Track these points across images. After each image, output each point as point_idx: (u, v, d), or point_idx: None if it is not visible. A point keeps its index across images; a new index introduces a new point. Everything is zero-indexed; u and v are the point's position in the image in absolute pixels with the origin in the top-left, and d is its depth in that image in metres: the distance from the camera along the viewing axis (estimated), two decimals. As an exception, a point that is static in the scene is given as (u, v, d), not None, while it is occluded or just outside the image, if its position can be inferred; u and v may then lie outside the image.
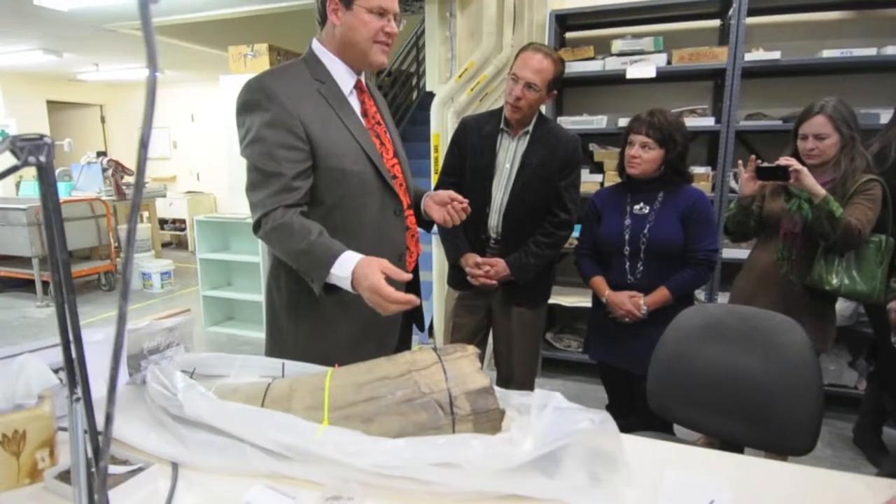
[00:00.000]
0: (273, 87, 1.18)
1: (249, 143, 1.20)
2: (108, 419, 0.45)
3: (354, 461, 0.78)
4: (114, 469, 0.83)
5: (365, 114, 1.32)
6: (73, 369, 0.62)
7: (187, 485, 0.83)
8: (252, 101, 1.19)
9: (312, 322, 1.30)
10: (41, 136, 0.59)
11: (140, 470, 0.84)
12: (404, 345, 1.52)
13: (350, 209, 1.26)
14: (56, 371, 0.98)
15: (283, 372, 1.05)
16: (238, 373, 1.05)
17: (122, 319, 0.42)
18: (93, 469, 0.67)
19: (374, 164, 1.27)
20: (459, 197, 1.38)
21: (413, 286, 1.44)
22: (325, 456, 0.79)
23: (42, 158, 0.59)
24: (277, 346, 1.36)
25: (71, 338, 0.60)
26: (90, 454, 0.67)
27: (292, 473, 0.82)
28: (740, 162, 1.92)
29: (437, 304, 3.36)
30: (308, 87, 1.23)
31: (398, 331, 1.41)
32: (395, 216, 1.33)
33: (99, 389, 0.66)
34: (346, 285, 1.13)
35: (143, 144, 0.39)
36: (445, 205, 1.39)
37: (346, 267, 1.12)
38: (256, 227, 1.20)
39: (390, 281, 1.09)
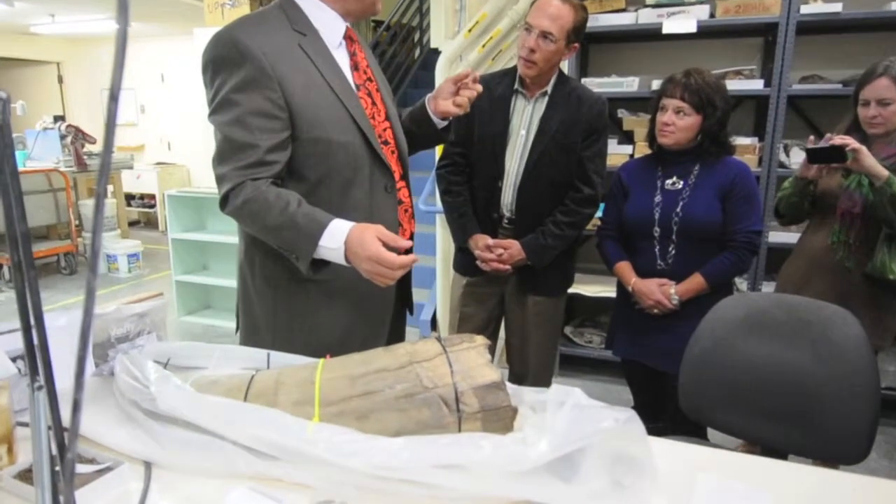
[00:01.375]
0: (246, 41, 1.16)
1: (218, 107, 1.19)
2: (76, 406, 0.46)
3: (348, 462, 0.79)
4: (80, 468, 0.85)
5: (355, 67, 1.32)
6: (35, 355, 0.63)
7: (162, 486, 0.85)
8: (221, 58, 1.17)
9: (292, 311, 1.31)
10: (-5, 91, 0.60)
11: (108, 469, 0.85)
12: (398, 337, 1.53)
13: (336, 186, 1.26)
14: (14, 360, 1.00)
15: (268, 363, 1.06)
16: (217, 364, 1.07)
17: (90, 295, 0.43)
18: (57, 467, 0.69)
19: (363, 133, 1.26)
20: (465, 72, 1.37)
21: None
22: (316, 456, 0.80)
23: (-3, 116, 0.60)
24: (252, 340, 1.36)
25: (32, 320, 0.61)
26: (54, 450, 0.68)
27: (279, 475, 0.83)
28: (812, 138, 1.88)
29: (442, 292, 3.38)
30: (287, 41, 1.21)
31: (391, 320, 1.42)
32: (386, 192, 1.33)
33: (63, 380, 0.68)
34: (339, 258, 1.13)
35: (114, 97, 0.40)
36: (454, 93, 1.39)
37: (338, 237, 1.12)
38: (223, 202, 1.20)
39: None
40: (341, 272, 1.19)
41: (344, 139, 1.24)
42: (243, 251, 1.37)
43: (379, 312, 1.38)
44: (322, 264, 1.17)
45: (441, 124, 1.46)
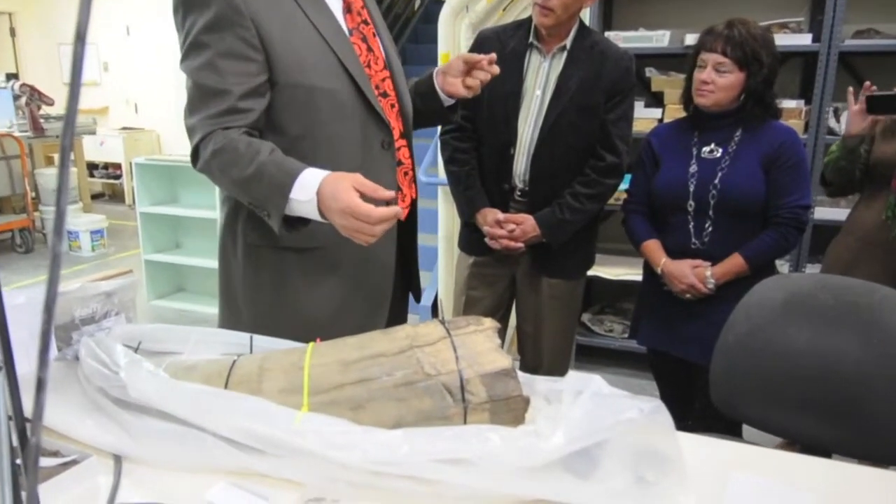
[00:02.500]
0: None
1: (188, 51, 1.20)
2: (41, 385, 0.46)
3: (341, 456, 0.80)
4: (42, 462, 0.87)
5: (349, 9, 1.31)
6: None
7: (133, 481, 0.86)
8: None
9: (276, 286, 1.32)
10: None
11: (74, 463, 0.87)
12: (401, 319, 1.53)
13: (321, 140, 1.26)
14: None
15: (251, 347, 1.07)
16: (195, 348, 1.08)
17: (55, 261, 0.43)
18: (19, 459, 0.70)
19: (354, 80, 1.26)
20: (477, 57, 1.36)
21: (408, 238, 1.45)
22: (305, 449, 0.81)
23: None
24: (231, 320, 1.37)
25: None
26: (15, 441, 0.69)
27: (264, 470, 0.85)
28: (851, 90, 1.88)
29: (445, 273, 3.38)
30: None
31: (390, 300, 1.42)
32: (383, 150, 1.32)
33: (22, 365, 0.69)
34: (312, 212, 1.11)
35: (81, 37, 0.40)
36: (464, 72, 1.38)
37: (309, 188, 1.10)
38: (194, 156, 1.21)
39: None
40: (330, 239, 1.18)
41: (329, 86, 1.24)
42: (224, 219, 1.37)
43: (378, 289, 1.38)
44: (300, 224, 1.16)
45: (448, 102, 1.46)
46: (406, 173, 1.42)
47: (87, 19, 0.42)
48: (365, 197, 1.06)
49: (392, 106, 1.36)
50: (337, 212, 1.07)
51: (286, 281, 1.31)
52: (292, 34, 1.21)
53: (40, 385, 0.48)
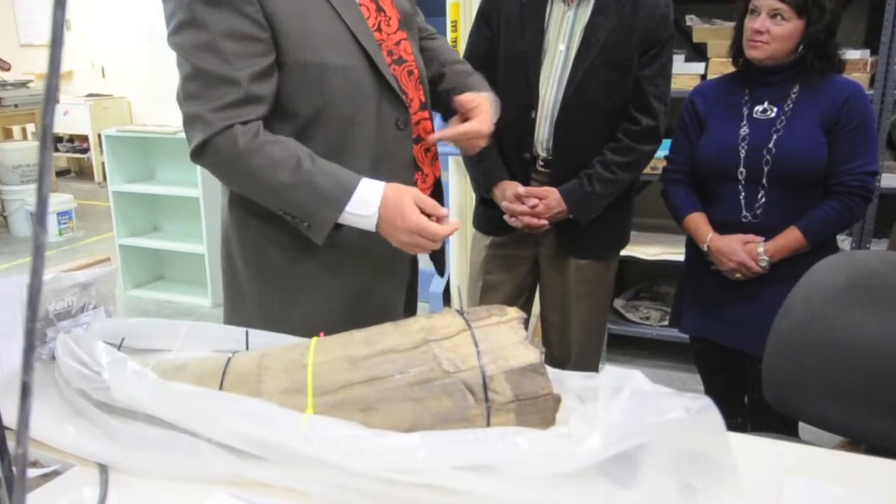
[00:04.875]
0: None
1: (180, 27, 1.19)
2: (26, 391, 0.48)
3: (351, 462, 0.82)
4: (21, 473, 0.89)
5: None
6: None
7: (122, 493, 0.88)
8: None
9: (287, 284, 1.35)
10: None
11: (56, 474, 0.89)
12: (409, 309, 1.57)
13: (333, 125, 1.28)
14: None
15: (247, 343, 1.09)
16: (184, 345, 1.10)
17: (38, 254, 0.45)
18: (-3, 469, 0.72)
19: (368, 54, 1.26)
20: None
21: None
22: (311, 455, 0.83)
23: None
24: (238, 319, 1.39)
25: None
26: (-7, 448, 0.71)
27: (266, 478, 0.86)
28: None
29: (457, 254, 3.40)
30: None
31: (405, 289, 1.46)
32: (398, 130, 1.34)
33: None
34: (368, 225, 1.20)
35: (60, 2, 0.41)
36: (465, 139, 1.39)
37: (370, 203, 1.19)
38: (199, 151, 1.21)
39: None
40: (349, 237, 1.25)
41: (342, 63, 1.25)
42: (228, 209, 1.39)
43: (397, 273, 1.42)
44: (337, 227, 1.22)
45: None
46: (427, 150, 1.43)
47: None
48: (423, 212, 1.19)
49: (410, 73, 1.36)
50: (404, 230, 1.18)
51: (298, 278, 1.35)
52: (298, 2, 1.22)
53: (25, 390, 0.49)
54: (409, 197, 1.19)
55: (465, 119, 1.38)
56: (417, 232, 1.18)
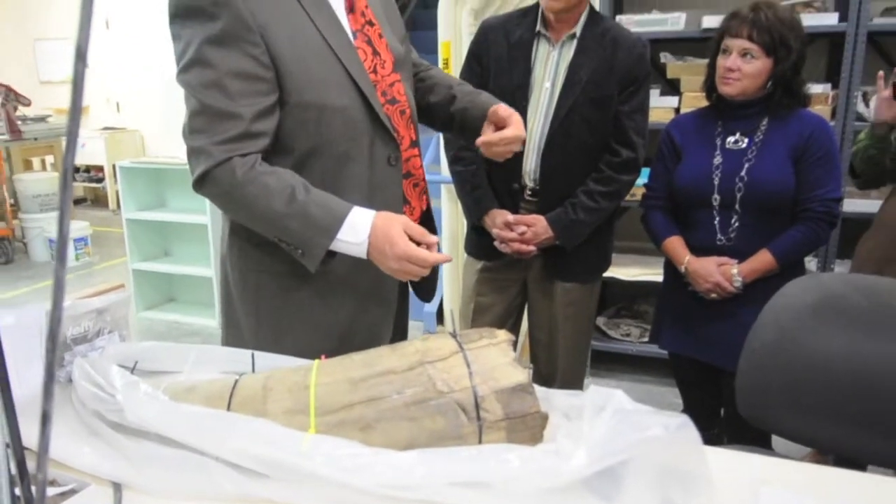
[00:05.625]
0: None
1: (189, 65, 1.19)
2: (46, 418, 0.48)
3: (351, 479, 0.82)
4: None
5: (352, 8, 1.31)
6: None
7: (134, 510, 0.88)
8: (192, 7, 1.18)
9: (280, 310, 1.35)
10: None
11: (73, 492, 0.89)
12: (398, 334, 1.56)
13: (329, 161, 1.28)
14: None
15: (252, 366, 1.09)
16: (194, 367, 1.10)
17: (58, 286, 0.45)
18: (17, 489, 0.71)
19: (363, 94, 1.27)
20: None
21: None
22: (313, 472, 0.83)
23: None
24: (233, 341, 1.40)
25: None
26: (13, 469, 0.71)
27: (270, 495, 0.86)
28: (881, 74, 1.88)
29: (449, 277, 3.40)
30: None
31: (393, 317, 1.44)
32: (389, 166, 1.35)
33: (14, 389, 0.70)
34: (359, 253, 1.18)
35: (81, 56, 0.41)
36: (504, 143, 1.38)
37: (361, 231, 1.17)
38: (200, 181, 1.21)
39: None
40: (340, 264, 1.23)
41: (340, 103, 1.25)
42: (227, 237, 1.39)
43: (382, 312, 1.41)
44: (330, 256, 1.21)
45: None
46: (416, 185, 1.43)
47: (88, 38, 0.43)
48: (412, 240, 1.17)
49: (402, 112, 1.36)
50: (393, 257, 1.16)
51: (291, 304, 1.34)
52: (301, 47, 1.21)
53: (45, 419, 0.49)
54: (399, 225, 1.17)
55: (499, 128, 1.38)
56: (406, 258, 1.16)
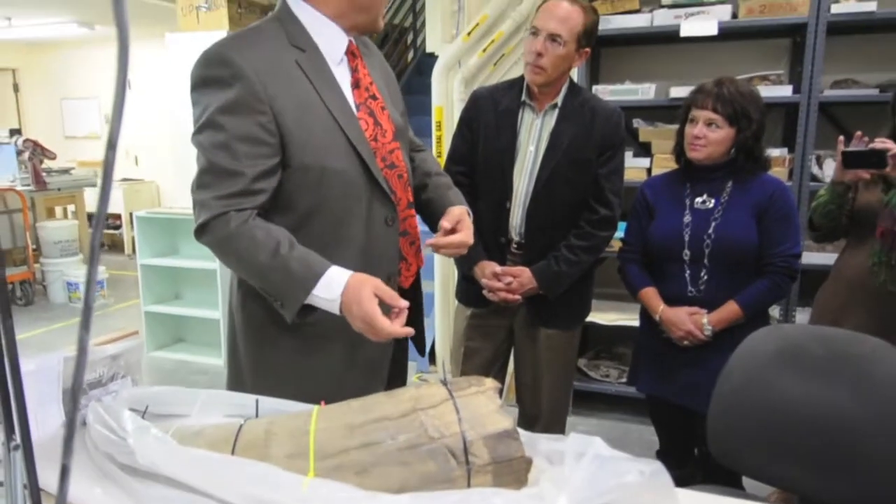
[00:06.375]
0: (237, 59, 1.19)
1: (202, 127, 1.22)
2: (65, 472, 0.48)
3: (348, 522, 0.81)
4: (51, 531, 0.86)
5: (357, 85, 1.34)
6: (11, 413, 0.65)
7: (142, 551, 0.86)
8: (209, 78, 1.21)
9: (277, 358, 1.35)
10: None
11: (83, 532, 0.87)
12: (398, 374, 1.56)
13: (328, 219, 1.29)
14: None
15: (256, 411, 1.08)
16: (201, 411, 1.08)
17: (82, 352, 0.45)
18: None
19: (362, 160, 1.29)
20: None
21: (413, 306, 1.47)
22: (313, 515, 0.82)
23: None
24: (236, 382, 1.40)
25: (9, 377, 0.63)
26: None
27: (272, 537, 0.85)
28: (840, 139, 1.91)
29: (441, 322, 3.39)
30: (284, 58, 1.25)
31: (389, 362, 1.43)
32: (386, 226, 1.35)
33: (32, 432, 0.70)
34: (333, 309, 1.17)
35: (112, 144, 0.42)
36: (453, 247, 1.37)
37: (335, 288, 1.16)
38: (200, 230, 1.23)
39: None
40: (328, 315, 1.22)
41: (339, 166, 1.26)
42: (236, 283, 1.40)
43: (376, 358, 1.39)
44: (310, 309, 1.20)
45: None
46: (412, 243, 1.44)
47: (119, 127, 0.45)
48: (383, 303, 1.14)
49: (400, 177, 1.38)
50: (358, 317, 1.14)
51: (287, 353, 1.34)
52: (307, 117, 1.24)
53: (64, 472, 0.49)
54: (369, 287, 1.14)
55: (451, 230, 1.37)
56: (369, 322, 1.12)
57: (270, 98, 1.20)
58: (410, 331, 1.15)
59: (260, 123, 1.20)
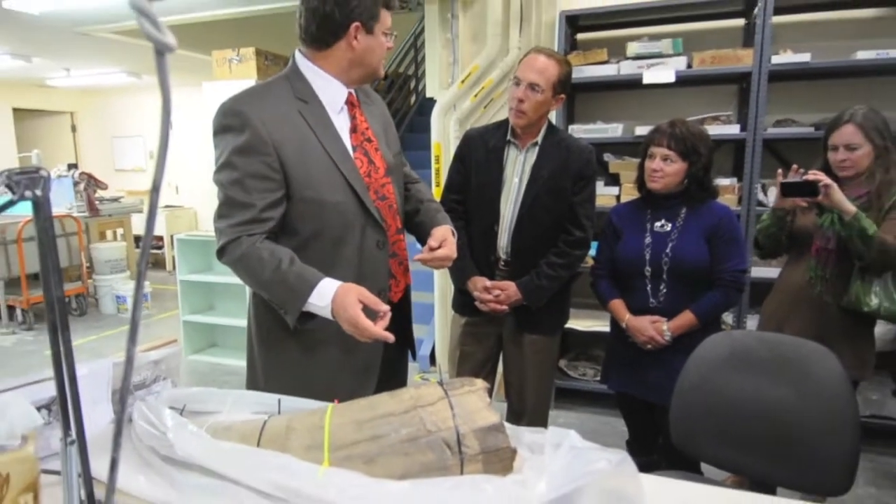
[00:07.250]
0: (246, 109, 1.24)
1: (221, 167, 1.27)
2: (114, 464, 0.48)
3: (358, 505, 0.81)
4: (100, 515, 0.86)
5: (354, 129, 1.37)
6: (68, 412, 0.66)
7: (179, 531, 0.86)
8: (226, 126, 1.26)
9: (282, 360, 1.37)
10: (37, 170, 0.64)
11: (128, 516, 0.87)
12: (399, 376, 1.57)
13: (327, 242, 1.32)
14: (39, 409, 1.01)
15: (279, 408, 1.08)
16: (231, 409, 1.09)
17: (129, 361, 0.46)
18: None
19: (356, 193, 1.31)
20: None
21: (403, 316, 1.48)
22: (327, 499, 0.82)
23: (38, 192, 0.63)
24: (251, 381, 1.43)
25: (66, 381, 0.64)
26: (83, 496, 0.70)
27: (291, 518, 0.85)
28: (780, 171, 1.94)
29: (440, 329, 3.39)
30: (288, 109, 1.28)
31: (379, 367, 1.43)
32: (377, 249, 1.37)
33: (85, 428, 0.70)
34: (326, 314, 1.20)
35: (156, 188, 0.44)
36: (438, 261, 1.38)
37: (325, 296, 1.19)
38: (220, 253, 1.27)
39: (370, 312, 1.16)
40: (326, 322, 1.24)
41: (335, 199, 1.29)
42: (250, 297, 1.43)
43: (364, 361, 1.40)
44: (311, 316, 1.23)
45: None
46: (401, 263, 1.46)
47: (162, 176, 0.46)
48: (367, 307, 1.17)
49: (390, 207, 1.40)
50: (344, 320, 1.17)
51: (289, 356, 1.36)
52: (306, 157, 1.27)
53: (113, 464, 0.50)
54: (354, 294, 1.17)
55: (438, 247, 1.38)
56: (353, 324, 1.16)
57: (275, 142, 1.24)
58: (390, 336, 1.17)
59: (266, 163, 1.24)
